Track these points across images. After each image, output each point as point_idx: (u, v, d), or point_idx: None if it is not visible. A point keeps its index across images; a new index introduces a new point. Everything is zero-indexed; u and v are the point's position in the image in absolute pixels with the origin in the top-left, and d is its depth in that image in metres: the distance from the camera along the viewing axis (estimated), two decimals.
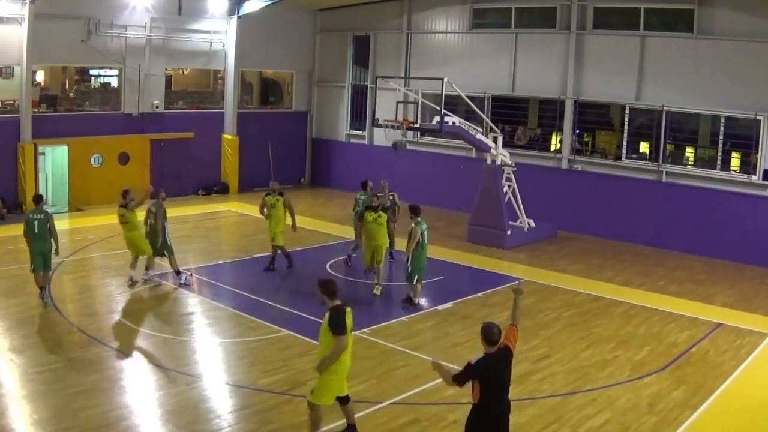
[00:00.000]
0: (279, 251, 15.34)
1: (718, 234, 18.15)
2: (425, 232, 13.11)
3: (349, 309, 7.77)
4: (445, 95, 16.98)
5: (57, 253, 12.72)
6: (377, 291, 13.90)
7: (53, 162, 21.63)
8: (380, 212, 13.78)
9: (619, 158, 20.20)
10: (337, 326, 7.61)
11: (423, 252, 13.17)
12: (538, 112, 22.72)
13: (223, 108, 25.03)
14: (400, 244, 15.66)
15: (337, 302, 7.79)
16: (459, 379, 6.76)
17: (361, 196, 16.23)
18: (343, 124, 26.67)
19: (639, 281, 15.79)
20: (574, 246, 19.01)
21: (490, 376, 6.71)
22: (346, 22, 26.10)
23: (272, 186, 15.53)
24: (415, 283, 13.21)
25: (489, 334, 6.75)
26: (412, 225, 13.01)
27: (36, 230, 12.41)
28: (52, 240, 12.50)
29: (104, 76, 22.88)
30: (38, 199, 13.14)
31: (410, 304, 13.23)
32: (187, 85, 25.81)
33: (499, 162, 18.69)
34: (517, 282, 7.69)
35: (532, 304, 13.83)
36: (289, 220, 15.34)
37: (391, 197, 15.83)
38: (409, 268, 13.11)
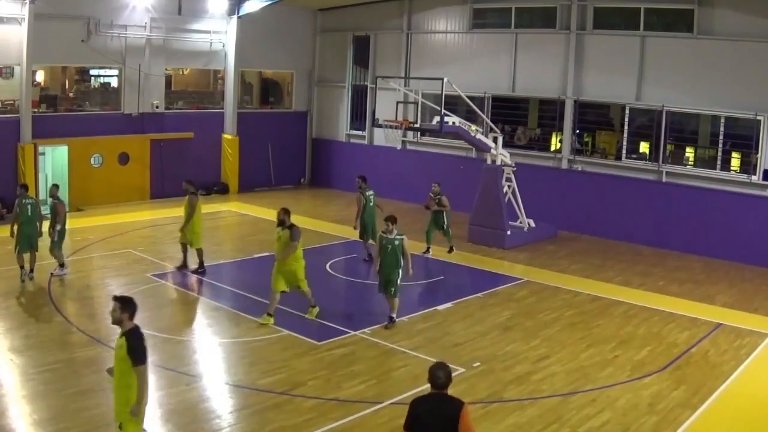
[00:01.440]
0: (189, 252, 14.93)
1: (718, 234, 18.15)
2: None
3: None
4: (445, 95, 16.97)
5: (50, 234, 13.89)
6: (310, 314, 12.37)
7: (53, 162, 21.62)
8: (285, 229, 11.86)
9: (619, 158, 20.20)
10: (141, 355, 6.61)
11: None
12: (538, 112, 22.72)
13: (223, 108, 25.03)
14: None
15: (134, 324, 6.80)
16: (405, 424, 6.04)
17: (370, 191, 16.22)
18: (343, 124, 26.67)
19: (639, 281, 15.79)
20: (574, 246, 19.01)
21: (417, 419, 5.96)
22: (346, 22, 26.11)
23: (184, 186, 14.86)
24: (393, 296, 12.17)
25: (433, 377, 5.93)
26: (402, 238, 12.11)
27: (29, 213, 13.43)
28: (37, 224, 13.73)
29: (104, 76, 22.89)
30: (26, 186, 14.24)
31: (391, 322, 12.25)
32: (187, 85, 25.81)
33: (499, 162, 18.69)
34: None
35: (532, 304, 13.84)
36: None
37: (438, 199, 16.46)
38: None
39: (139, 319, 11.99)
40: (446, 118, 17.41)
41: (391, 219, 12.06)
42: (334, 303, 13.97)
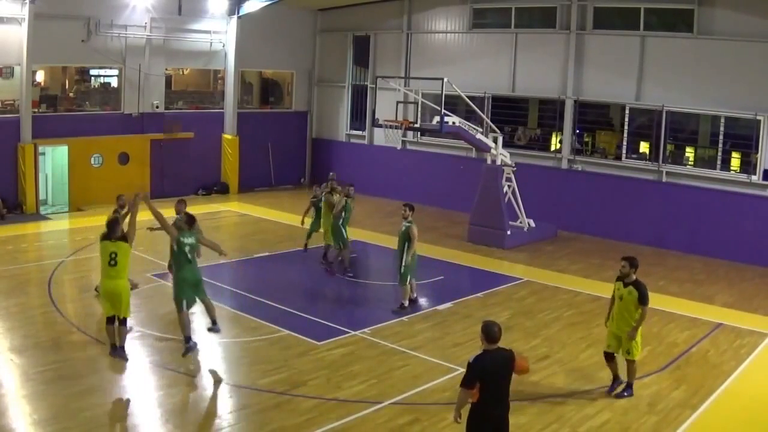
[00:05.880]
0: None
1: (718, 234, 18.15)
2: None
3: None
4: (445, 95, 16.97)
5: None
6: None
7: (53, 162, 21.63)
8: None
9: (619, 158, 20.20)
10: None
11: None
12: (538, 112, 22.72)
13: (223, 108, 25.03)
14: None
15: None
16: (467, 382, 6.69)
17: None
18: (343, 124, 26.67)
19: None
20: (574, 246, 19.01)
21: (490, 371, 6.68)
22: (346, 22, 26.10)
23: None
24: None
25: (489, 331, 6.76)
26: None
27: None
28: None
29: (104, 76, 22.89)
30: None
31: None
32: (187, 85, 25.81)
33: (499, 162, 18.69)
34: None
35: (533, 304, 13.85)
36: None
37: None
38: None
39: (139, 319, 12.13)
40: (446, 118, 17.41)
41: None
42: (334, 303, 13.99)
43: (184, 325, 10.36)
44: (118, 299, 9.81)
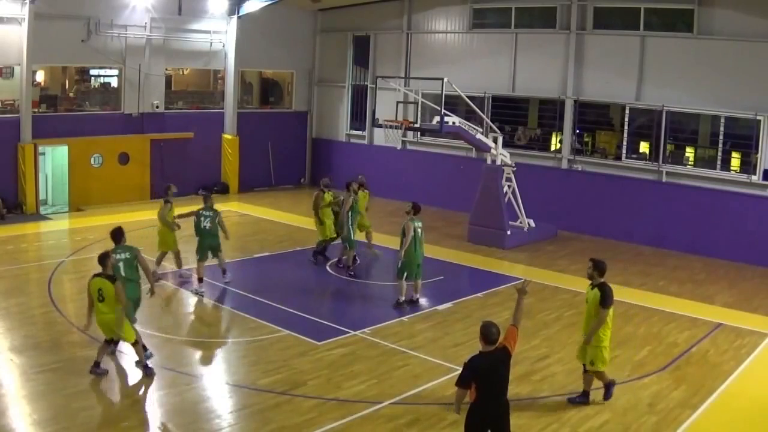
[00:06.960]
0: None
1: (718, 234, 18.15)
2: None
3: None
4: (445, 95, 16.97)
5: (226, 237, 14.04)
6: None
7: (53, 162, 21.64)
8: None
9: (619, 158, 20.20)
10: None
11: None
12: (538, 112, 22.72)
13: (223, 108, 25.03)
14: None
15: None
16: (461, 381, 6.80)
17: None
18: (343, 124, 26.67)
19: (639, 281, 15.78)
20: (574, 246, 19.00)
21: (484, 373, 6.74)
22: (346, 22, 26.11)
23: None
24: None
25: (487, 333, 6.81)
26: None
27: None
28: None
29: (104, 76, 22.89)
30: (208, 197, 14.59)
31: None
32: (187, 85, 25.81)
33: (499, 162, 18.69)
34: (521, 281, 7.66)
35: (532, 304, 13.82)
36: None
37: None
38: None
39: (139, 319, 12.09)
40: (446, 118, 17.41)
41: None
42: (334, 303, 14.00)
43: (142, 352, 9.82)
44: (114, 330, 9.57)
